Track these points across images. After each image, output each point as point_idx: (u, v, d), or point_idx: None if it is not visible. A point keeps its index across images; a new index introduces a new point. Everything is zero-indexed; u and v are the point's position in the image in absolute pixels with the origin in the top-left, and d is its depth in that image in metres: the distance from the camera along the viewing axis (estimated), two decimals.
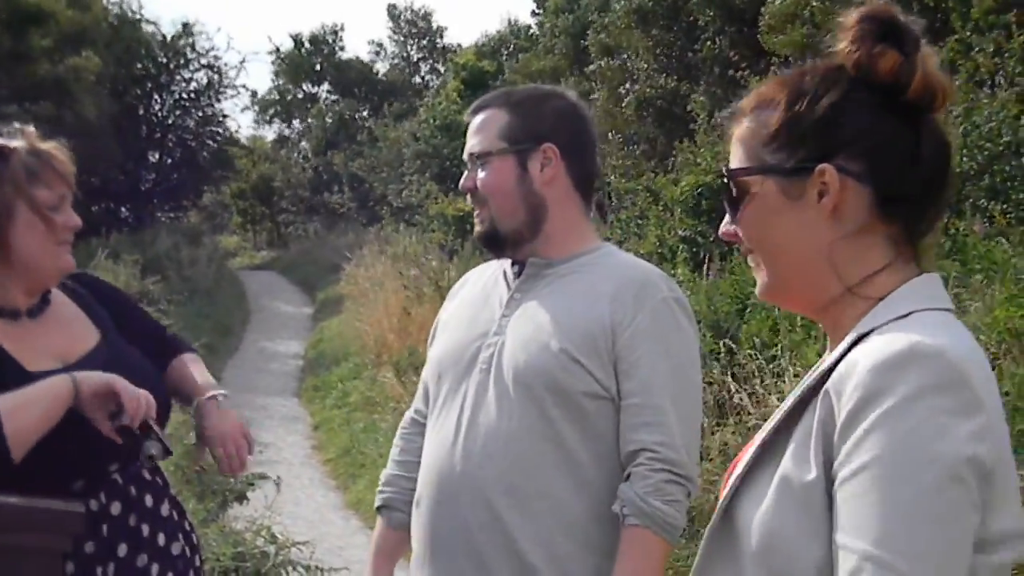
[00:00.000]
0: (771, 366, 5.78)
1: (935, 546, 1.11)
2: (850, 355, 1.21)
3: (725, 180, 1.35)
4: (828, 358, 1.27)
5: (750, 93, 1.38)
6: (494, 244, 2.19)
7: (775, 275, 1.35)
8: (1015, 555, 1.18)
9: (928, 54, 1.26)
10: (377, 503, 2.36)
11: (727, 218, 1.37)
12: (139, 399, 1.92)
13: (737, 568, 1.26)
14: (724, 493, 1.30)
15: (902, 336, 1.18)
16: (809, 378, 1.26)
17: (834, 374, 1.20)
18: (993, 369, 4.43)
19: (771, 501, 1.22)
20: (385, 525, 2.32)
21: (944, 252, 7.11)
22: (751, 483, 1.27)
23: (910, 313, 1.23)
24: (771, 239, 1.33)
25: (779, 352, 5.86)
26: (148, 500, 2.10)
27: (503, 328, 2.12)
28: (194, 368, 2.34)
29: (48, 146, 2.10)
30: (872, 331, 1.22)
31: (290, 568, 4.62)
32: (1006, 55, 8.99)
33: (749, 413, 5.52)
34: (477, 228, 2.21)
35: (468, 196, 2.22)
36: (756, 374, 5.75)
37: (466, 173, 2.20)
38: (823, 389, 1.21)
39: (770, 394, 5.53)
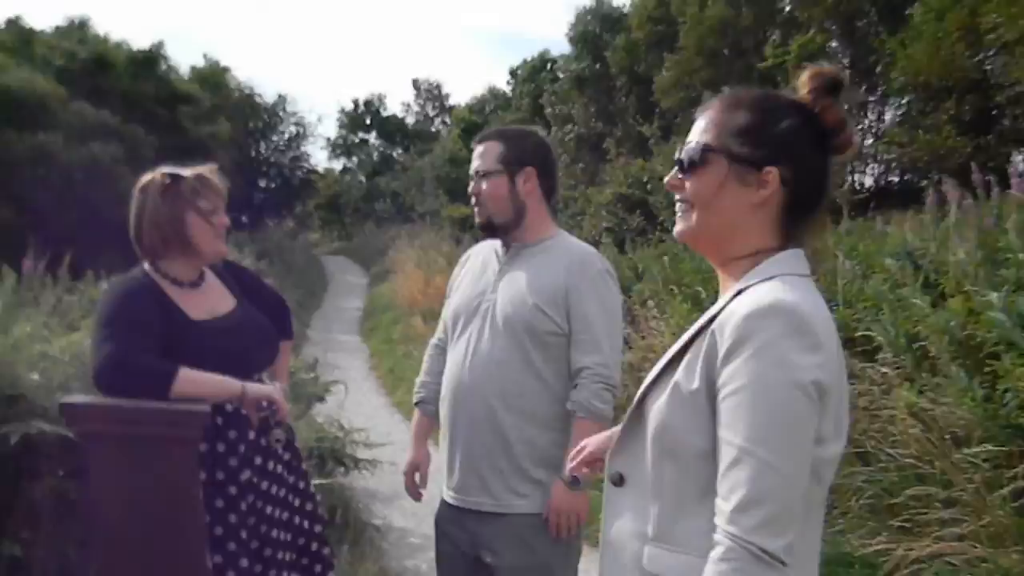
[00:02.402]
0: (653, 313, 5.81)
1: (791, 443, 1.08)
2: (730, 305, 1.15)
3: (694, 145, 1.23)
4: (717, 304, 1.20)
5: (725, 93, 1.27)
6: (490, 231, 2.20)
7: (701, 225, 1.24)
8: (832, 452, 1.15)
9: None
10: (415, 400, 2.40)
11: (675, 171, 1.26)
12: (286, 410, 2.02)
13: (643, 443, 1.22)
14: (639, 392, 1.26)
15: (767, 293, 1.13)
16: (703, 318, 1.20)
17: (718, 319, 1.15)
18: None
19: (665, 400, 1.18)
20: (421, 414, 2.37)
21: None
22: (656, 387, 1.22)
23: (773, 276, 1.17)
24: (713, 201, 1.22)
25: (659, 305, 5.89)
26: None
27: (496, 289, 2.14)
28: (282, 359, 2.35)
29: (208, 172, 2.11)
30: (746, 288, 1.17)
31: (353, 446, 4.60)
32: None
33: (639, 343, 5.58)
34: (478, 220, 2.20)
35: (473, 198, 2.20)
36: (644, 319, 5.79)
37: (472, 183, 2.19)
38: (710, 328, 1.15)
39: (652, 334, 5.58)
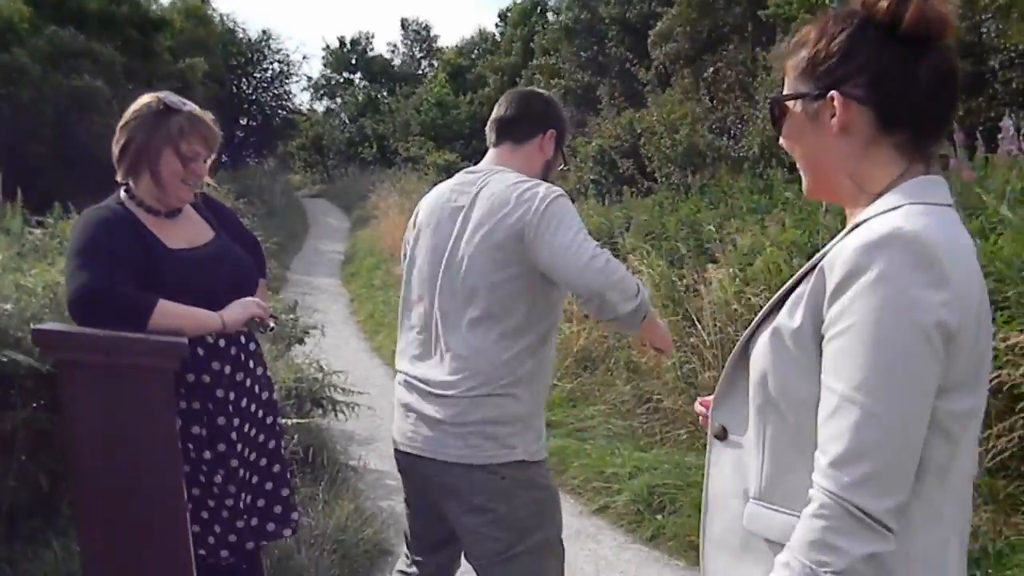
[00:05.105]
0: (635, 266, 5.86)
1: (902, 391, 0.95)
2: (845, 239, 1.03)
3: (771, 103, 1.16)
4: (832, 241, 1.09)
5: (796, 34, 1.16)
6: None
7: (808, 179, 1.16)
8: (964, 406, 1.01)
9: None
10: None
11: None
12: (267, 311, 2.05)
13: (745, 394, 1.12)
14: (742, 339, 1.15)
15: (885, 223, 0.99)
16: (816, 257, 1.08)
17: (828, 254, 1.03)
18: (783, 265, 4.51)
19: (766, 344, 1.08)
20: None
21: (759, 191, 7.12)
22: (759, 332, 1.11)
23: (900, 206, 1.03)
24: (800, 151, 1.14)
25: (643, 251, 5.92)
26: (242, 339, 2.07)
27: None
28: (260, 296, 2.27)
29: (206, 116, 2.04)
30: (865, 221, 1.04)
31: (332, 388, 4.61)
32: None
33: None
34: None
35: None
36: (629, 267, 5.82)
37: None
38: (819, 265, 1.04)
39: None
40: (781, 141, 1.18)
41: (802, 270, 1.09)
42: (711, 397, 1.29)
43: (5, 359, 2.46)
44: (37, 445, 2.62)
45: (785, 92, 1.15)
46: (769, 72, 9.43)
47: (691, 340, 4.69)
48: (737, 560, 1.12)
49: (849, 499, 0.94)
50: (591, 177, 10.56)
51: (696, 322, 4.76)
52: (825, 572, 0.94)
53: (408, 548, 2.17)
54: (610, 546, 3.60)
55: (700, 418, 1.34)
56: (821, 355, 1.01)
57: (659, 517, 3.70)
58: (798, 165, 1.18)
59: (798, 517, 1.01)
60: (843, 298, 0.98)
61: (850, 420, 0.95)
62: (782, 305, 1.09)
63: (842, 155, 1.10)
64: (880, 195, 1.07)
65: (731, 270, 4.84)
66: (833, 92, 1.07)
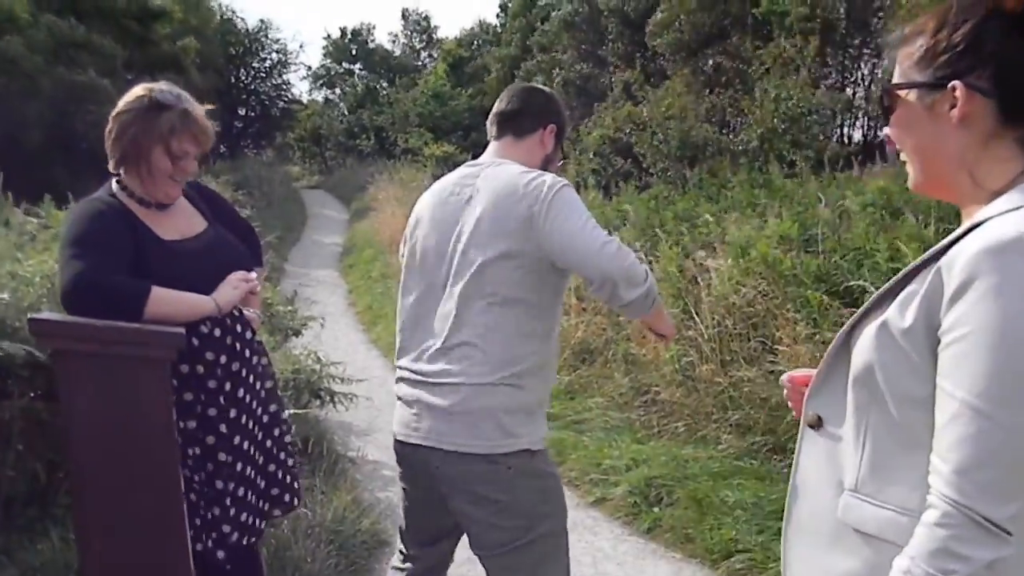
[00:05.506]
0: (639, 256, 5.83)
1: None
2: (963, 239, 0.98)
3: (882, 91, 1.12)
4: (947, 239, 1.03)
5: (912, 24, 1.13)
6: None
7: (918, 172, 1.12)
8: None
9: None
10: None
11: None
12: (253, 284, 2.07)
13: (845, 384, 1.10)
14: (844, 328, 1.12)
15: (1007, 224, 0.95)
16: (927, 253, 1.04)
17: (948, 254, 0.98)
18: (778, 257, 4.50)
19: (872, 338, 1.05)
20: None
21: (757, 184, 7.12)
22: (864, 323, 1.08)
23: (1022, 206, 0.98)
24: (912, 142, 1.10)
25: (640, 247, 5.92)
26: (238, 328, 2.05)
27: None
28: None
29: (198, 113, 2.01)
30: (986, 221, 0.98)
31: (329, 379, 4.61)
32: (804, 53, 8.91)
33: None
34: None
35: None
36: None
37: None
38: (936, 265, 0.99)
39: None
40: (887, 131, 1.15)
41: (912, 265, 1.05)
42: (800, 372, 1.29)
43: (2, 351, 2.45)
44: (34, 435, 2.62)
45: (897, 81, 1.11)
46: (764, 63, 9.44)
47: (689, 333, 4.70)
48: (825, 549, 1.12)
49: (972, 507, 0.93)
50: (591, 167, 10.58)
51: (695, 315, 4.76)
52: None
53: (403, 543, 2.16)
54: (607, 538, 3.60)
55: (784, 391, 1.32)
56: (933, 356, 0.99)
57: (656, 509, 3.71)
58: (905, 157, 1.14)
59: (895, 512, 1.02)
60: (962, 302, 0.95)
61: (971, 428, 0.93)
62: (889, 298, 1.06)
63: (960, 148, 1.06)
64: (999, 193, 1.03)
65: (728, 261, 4.85)
66: (956, 82, 1.04)
